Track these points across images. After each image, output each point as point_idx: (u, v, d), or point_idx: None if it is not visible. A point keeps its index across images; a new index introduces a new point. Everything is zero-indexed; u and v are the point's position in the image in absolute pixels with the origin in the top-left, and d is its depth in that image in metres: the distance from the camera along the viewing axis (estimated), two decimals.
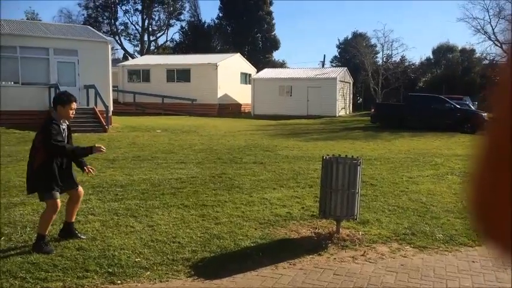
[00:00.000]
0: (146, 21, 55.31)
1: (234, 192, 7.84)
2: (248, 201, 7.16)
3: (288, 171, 9.92)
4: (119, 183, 8.37)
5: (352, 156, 5.82)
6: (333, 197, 5.36)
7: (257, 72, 36.50)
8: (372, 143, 16.14)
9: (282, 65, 52.82)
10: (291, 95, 32.44)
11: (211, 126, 21.77)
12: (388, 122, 22.27)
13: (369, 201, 7.28)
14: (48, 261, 4.57)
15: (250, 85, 33.77)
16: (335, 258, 4.92)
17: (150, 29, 56.30)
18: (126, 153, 12.39)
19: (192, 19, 56.26)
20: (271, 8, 53.39)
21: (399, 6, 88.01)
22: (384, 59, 41.41)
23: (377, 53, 44.89)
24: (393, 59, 42.16)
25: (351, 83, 37.19)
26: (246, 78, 36.41)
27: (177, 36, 59.17)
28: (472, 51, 43.37)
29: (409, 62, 45.39)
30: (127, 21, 58.25)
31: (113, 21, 55.19)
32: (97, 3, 53.80)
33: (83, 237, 5.24)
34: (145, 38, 56.08)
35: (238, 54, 37.41)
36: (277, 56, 58.44)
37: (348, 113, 35.27)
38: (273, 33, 53.79)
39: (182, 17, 56.69)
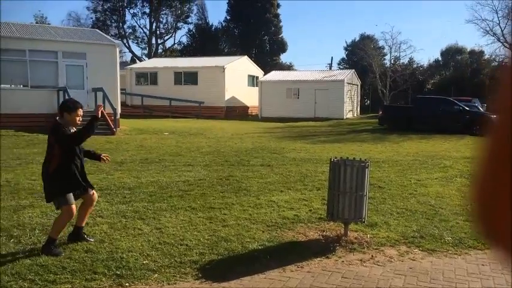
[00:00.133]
0: (154, 24, 55.61)
1: (242, 194, 7.83)
2: (255, 204, 7.15)
3: (295, 174, 9.90)
4: (126, 185, 8.40)
5: (360, 158, 5.79)
6: (340, 200, 5.34)
7: (264, 74, 36.51)
8: (380, 146, 16.08)
9: (289, 67, 52.83)
10: (298, 98, 32.40)
11: (219, 129, 21.80)
12: (396, 124, 22.16)
13: (377, 203, 7.25)
14: (57, 264, 4.59)
15: (257, 87, 33.79)
16: (343, 261, 4.90)
17: (158, 32, 56.58)
18: (133, 155, 12.44)
19: (200, 22, 56.51)
20: (279, 11, 53.50)
21: (407, 8, 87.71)
22: (392, 61, 41.23)
23: (385, 55, 44.71)
24: (401, 61, 41.99)
25: (359, 85, 37.09)
26: (253, 80, 36.44)
27: (184, 39, 59.27)
28: (481, 52, 43.12)
29: (417, 63, 45.30)
30: (135, 24, 58.44)
31: (121, 24, 55.56)
32: (105, 7, 54.16)
33: (91, 240, 5.26)
34: (153, 41, 56.35)
35: (246, 56, 37.47)
36: (284, 58, 58.63)
37: (355, 115, 35.17)
38: (280, 36, 53.84)
39: (190, 19, 56.98)
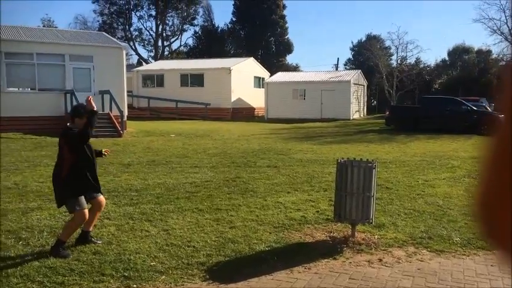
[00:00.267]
0: (160, 27, 55.84)
1: (248, 196, 7.83)
2: (262, 205, 7.15)
3: (302, 175, 9.89)
4: (134, 187, 8.42)
5: (367, 159, 5.77)
6: (348, 201, 5.32)
7: (270, 76, 36.52)
8: (387, 146, 16.01)
9: (295, 68, 52.80)
10: (304, 99, 32.36)
11: (225, 130, 21.82)
12: (403, 124, 22.06)
13: (384, 204, 7.22)
14: (65, 266, 4.62)
15: (263, 89, 33.79)
16: (350, 262, 4.88)
17: (164, 34, 56.81)
18: (140, 157, 12.48)
19: (206, 24, 56.66)
20: (284, 12, 53.51)
21: (413, 7, 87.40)
22: (399, 61, 41.09)
23: (391, 55, 44.58)
24: (408, 61, 41.85)
25: (365, 85, 36.98)
26: (259, 82, 36.46)
27: (190, 41, 59.49)
28: (489, 52, 42.87)
29: (424, 63, 45.11)
30: (141, 26, 58.62)
31: (127, 27, 55.85)
32: (112, 10, 54.49)
33: (98, 242, 5.28)
34: (159, 43, 56.58)
35: (252, 58, 37.49)
36: (290, 59, 58.43)
37: (362, 115, 35.06)
38: (286, 37, 53.84)
39: (196, 21, 57.16)
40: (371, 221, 5.51)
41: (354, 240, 5.43)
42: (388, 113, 24.27)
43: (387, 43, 44.93)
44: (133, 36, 56.10)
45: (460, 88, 37.24)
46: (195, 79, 33.58)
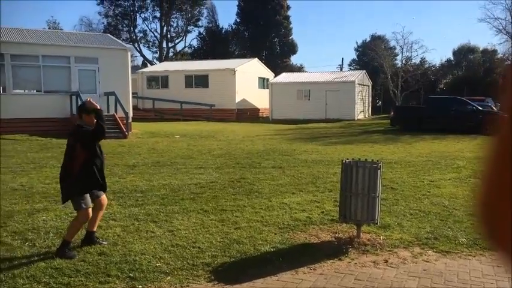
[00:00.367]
0: (164, 28, 55.95)
1: (253, 197, 7.84)
2: (267, 206, 7.15)
3: (307, 176, 9.88)
4: (139, 188, 8.45)
5: (372, 159, 5.76)
6: (353, 201, 5.31)
7: (275, 76, 36.52)
8: (392, 146, 15.97)
9: (299, 69, 52.78)
10: (309, 99, 32.33)
11: (230, 131, 21.84)
12: (408, 125, 21.99)
13: (389, 205, 7.20)
14: (71, 267, 4.64)
15: (268, 90, 33.80)
16: (356, 263, 4.87)
17: (169, 35, 56.92)
18: (145, 158, 12.51)
19: (210, 25, 56.73)
20: (289, 13, 53.48)
21: (418, 7, 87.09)
22: (403, 61, 40.97)
23: (396, 55, 44.46)
24: (413, 61, 41.72)
25: (370, 86, 36.89)
26: (264, 83, 36.47)
27: (195, 42, 59.75)
28: (494, 51, 42.66)
29: (429, 63, 44.96)
30: (146, 28, 58.92)
31: (132, 28, 55.98)
32: (116, 12, 54.65)
33: (104, 243, 5.30)
34: (164, 44, 56.69)
35: (256, 59, 37.50)
36: (294, 60, 58.42)
37: (367, 116, 34.98)
38: (290, 38, 53.80)
39: (200, 23, 57.23)
40: (376, 221, 5.49)
41: (359, 241, 5.42)
42: (393, 113, 24.20)
43: (392, 43, 44.90)
44: (138, 38, 56.30)
45: (465, 88, 37.06)
46: (200, 80, 33.64)
